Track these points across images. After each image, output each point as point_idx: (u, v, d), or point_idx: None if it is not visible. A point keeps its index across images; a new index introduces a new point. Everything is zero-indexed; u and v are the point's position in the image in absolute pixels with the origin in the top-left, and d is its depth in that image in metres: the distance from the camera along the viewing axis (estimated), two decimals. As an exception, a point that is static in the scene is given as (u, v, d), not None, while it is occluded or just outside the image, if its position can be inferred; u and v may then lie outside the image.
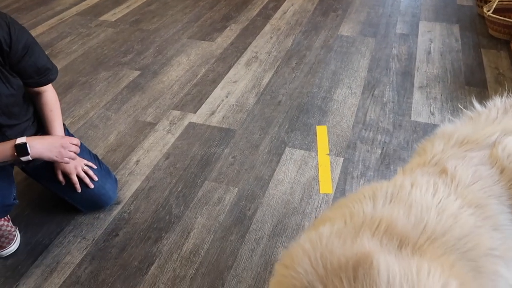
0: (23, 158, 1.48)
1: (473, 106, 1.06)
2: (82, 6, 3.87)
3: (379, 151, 2.11)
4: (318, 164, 2.05)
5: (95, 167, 1.80)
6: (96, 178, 1.78)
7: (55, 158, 1.57)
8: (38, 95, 1.68)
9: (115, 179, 1.91)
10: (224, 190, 1.94)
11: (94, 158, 1.88)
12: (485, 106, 1.04)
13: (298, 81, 2.69)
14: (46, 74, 1.62)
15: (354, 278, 0.63)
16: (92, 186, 1.76)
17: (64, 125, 1.81)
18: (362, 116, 2.36)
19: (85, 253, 1.70)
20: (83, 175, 1.75)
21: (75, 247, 1.73)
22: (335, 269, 0.65)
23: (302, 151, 2.13)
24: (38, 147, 1.51)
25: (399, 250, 0.69)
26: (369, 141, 2.17)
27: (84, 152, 1.85)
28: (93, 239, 1.76)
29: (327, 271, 0.65)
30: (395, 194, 0.81)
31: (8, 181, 1.63)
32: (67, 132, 1.86)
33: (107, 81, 2.77)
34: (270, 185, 1.95)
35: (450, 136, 0.93)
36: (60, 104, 2.12)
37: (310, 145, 2.17)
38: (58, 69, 1.69)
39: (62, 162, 1.63)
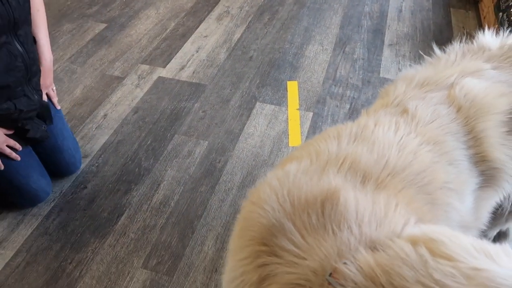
0: None
1: (433, 52, 1.09)
2: (41, -46, 3.61)
3: (348, 106, 2.14)
4: (288, 119, 2.07)
5: (18, 148, 1.63)
6: (58, 107, 1.76)
7: None
8: None
9: (81, 153, 1.85)
10: (194, 144, 1.94)
11: (69, 130, 1.82)
12: (444, 51, 1.06)
13: (270, 37, 2.66)
14: None
15: (322, 213, 0.64)
16: (58, 107, 1.76)
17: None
18: (333, 72, 2.37)
19: (52, 205, 1.69)
20: (52, 94, 1.75)
21: (42, 199, 1.71)
22: (303, 205, 0.66)
23: (273, 106, 2.14)
24: None
25: (362, 185, 0.72)
26: (339, 96, 2.20)
27: (63, 120, 1.80)
28: (61, 192, 1.74)
29: (295, 208, 0.66)
30: (359, 133, 0.83)
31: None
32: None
33: (71, 34, 2.65)
34: (240, 138, 1.96)
35: (412, 79, 0.96)
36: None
37: (280, 100, 2.18)
38: None
39: None
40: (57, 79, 2.30)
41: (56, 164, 1.74)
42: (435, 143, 0.82)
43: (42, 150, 1.69)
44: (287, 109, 2.12)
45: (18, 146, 1.57)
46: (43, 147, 1.68)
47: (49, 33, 2.65)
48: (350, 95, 2.20)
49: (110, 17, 2.81)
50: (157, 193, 1.73)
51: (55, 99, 1.75)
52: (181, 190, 1.74)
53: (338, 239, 0.59)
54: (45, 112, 1.64)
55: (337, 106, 2.14)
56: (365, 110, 0.97)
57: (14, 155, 1.54)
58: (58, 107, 1.76)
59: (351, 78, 2.33)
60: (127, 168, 1.83)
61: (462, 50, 1.03)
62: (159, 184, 1.76)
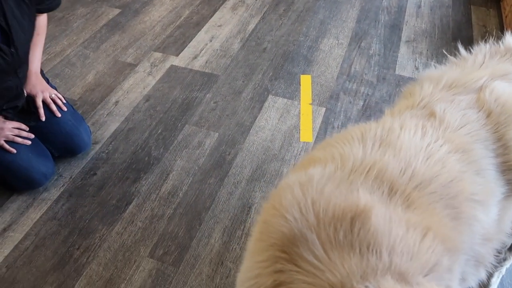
0: None
1: (459, 52, 1.05)
2: None
3: (361, 102, 2.11)
4: (300, 113, 2.05)
5: (64, 101, 1.73)
6: (65, 108, 1.72)
7: None
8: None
9: (89, 129, 1.84)
10: (204, 135, 1.93)
11: (67, 103, 1.82)
12: (470, 52, 1.03)
13: (285, 29, 2.62)
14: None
15: (350, 230, 0.61)
16: (58, 114, 1.69)
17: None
18: (347, 67, 2.33)
19: (62, 190, 1.70)
20: (49, 100, 1.68)
21: (52, 184, 1.71)
22: (329, 218, 0.63)
23: (285, 100, 2.12)
24: None
25: (389, 197, 0.68)
26: (352, 92, 2.17)
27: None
28: (71, 177, 1.74)
29: (319, 220, 0.63)
30: (384, 137, 0.79)
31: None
32: (42, 74, 1.79)
33: (85, 18, 2.64)
34: (251, 131, 1.95)
35: (439, 80, 0.92)
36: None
37: (293, 94, 2.15)
38: None
39: None
40: (69, 64, 2.29)
41: (58, 138, 1.72)
42: (464, 151, 0.78)
43: (37, 128, 1.67)
44: (299, 103, 2.10)
45: (23, 126, 1.62)
46: (38, 125, 1.67)
47: (63, 16, 2.66)
48: (364, 92, 2.17)
49: (124, 3, 2.79)
50: (166, 183, 1.73)
51: (52, 106, 1.69)
52: (190, 181, 1.73)
53: (365, 260, 0.58)
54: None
55: (351, 102, 2.11)
56: (389, 110, 0.93)
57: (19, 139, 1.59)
58: (58, 115, 1.70)
59: (366, 74, 2.29)
60: (137, 157, 1.83)
61: (489, 52, 0.99)
62: (168, 174, 1.76)
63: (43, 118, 1.66)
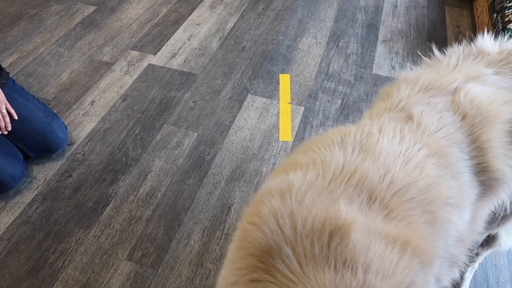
0: None
1: (433, 54, 1.07)
2: None
3: (340, 101, 2.13)
4: (279, 112, 2.05)
5: (15, 117, 1.64)
6: (15, 117, 1.63)
7: None
8: None
9: (64, 124, 1.80)
10: (183, 135, 1.91)
11: (37, 100, 1.76)
12: (444, 54, 1.04)
13: (264, 28, 2.62)
14: None
15: (327, 245, 0.61)
16: (9, 128, 1.62)
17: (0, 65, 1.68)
18: (326, 66, 2.35)
19: (36, 193, 1.65)
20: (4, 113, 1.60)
21: (25, 186, 1.67)
22: (307, 230, 0.63)
23: (264, 99, 2.12)
24: None
25: (368, 207, 0.68)
26: (331, 91, 2.19)
27: (25, 95, 1.73)
28: (45, 180, 1.70)
29: (296, 233, 0.63)
30: (364, 142, 0.79)
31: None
32: (3, 76, 1.69)
33: (59, 15, 2.57)
34: (230, 131, 1.94)
35: (415, 82, 0.93)
36: (6, 37, 1.96)
37: (272, 93, 2.15)
38: None
39: None
40: (43, 62, 2.23)
41: (31, 137, 1.67)
42: (440, 155, 0.79)
43: (9, 130, 1.62)
44: (278, 103, 2.10)
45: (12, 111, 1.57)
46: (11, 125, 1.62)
47: (36, 13, 2.58)
48: (342, 91, 2.19)
49: (100, 0, 2.73)
50: (144, 184, 1.70)
51: (6, 118, 1.61)
52: (168, 182, 1.71)
53: (339, 276, 0.58)
54: None
55: (329, 101, 2.13)
56: (367, 112, 0.94)
57: None
58: (9, 128, 1.62)
59: (343, 73, 2.31)
60: (114, 158, 1.79)
61: (462, 53, 1.01)
62: (146, 175, 1.73)
63: (9, 128, 1.61)
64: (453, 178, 0.78)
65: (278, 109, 2.07)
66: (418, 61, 2.40)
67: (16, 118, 1.64)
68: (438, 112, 0.85)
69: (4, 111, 1.59)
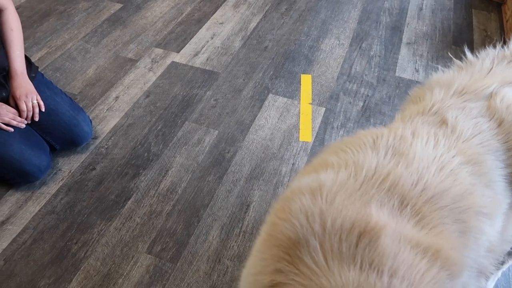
0: None
1: (465, 56, 1.05)
2: None
3: (361, 103, 2.12)
4: (299, 113, 2.05)
5: (43, 109, 1.68)
6: (43, 109, 1.68)
7: None
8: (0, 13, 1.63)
9: (89, 118, 1.84)
10: (204, 132, 1.93)
11: (63, 94, 1.81)
12: (477, 57, 1.02)
13: (286, 28, 2.62)
14: None
15: (355, 245, 0.61)
16: (36, 118, 1.66)
17: (27, 58, 1.73)
18: (348, 68, 2.34)
19: (61, 184, 1.70)
20: (24, 108, 1.63)
21: (50, 178, 1.72)
22: (336, 229, 0.63)
23: (285, 99, 2.12)
24: None
25: (399, 212, 0.67)
26: (352, 93, 2.18)
27: (53, 89, 1.78)
28: (69, 171, 1.75)
29: (325, 230, 0.63)
30: (397, 145, 0.78)
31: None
32: (33, 69, 1.75)
33: (87, 12, 2.63)
34: (250, 129, 1.95)
35: (449, 85, 0.91)
36: (36, 32, 2.02)
37: (293, 93, 2.16)
38: None
39: None
40: (70, 58, 2.29)
41: (57, 129, 1.71)
42: (475, 163, 0.77)
43: (35, 121, 1.67)
44: (299, 103, 2.10)
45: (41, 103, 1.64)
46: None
47: (65, 10, 2.65)
48: (364, 93, 2.17)
49: (126, -2, 2.78)
50: (165, 179, 1.73)
51: (24, 114, 1.64)
52: (188, 178, 1.74)
53: (364, 276, 0.58)
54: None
55: (350, 103, 2.12)
56: (399, 115, 0.93)
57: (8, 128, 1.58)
58: (36, 119, 1.67)
59: (366, 75, 2.30)
60: (136, 152, 1.83)
61: (496, 57, 0.99)
62: (167, 171, 1.76)
63: (25, 119, 1.65)
64: (487, 187, 0.76)
65: (299, 110, 2.07)
66: (444, 64, 2.37)
67: (44, 110, 1.68)
68: (473, 117, 0.84)
69: (35, 101, 1.64)
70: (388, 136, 0.80)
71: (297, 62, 2.36)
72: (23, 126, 1.63)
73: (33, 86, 1.67)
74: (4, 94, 1.63)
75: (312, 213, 0.65)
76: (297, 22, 2.68)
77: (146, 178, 1.73)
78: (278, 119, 2.01)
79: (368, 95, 2.16)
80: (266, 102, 2.10)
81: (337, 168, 0.75)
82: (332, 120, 2.02)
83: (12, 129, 1.59)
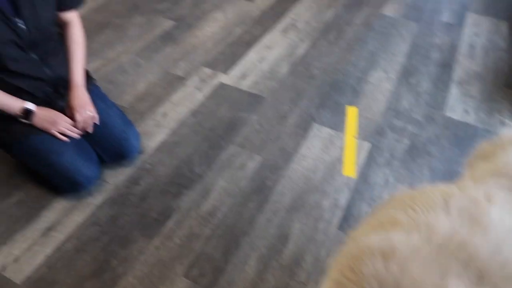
0: (23, 120, 1.59)
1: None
2: None
3: (408, 142, 2.07)
4: (344, 145, 2.03)
5: (97, 122, 1.73)
6: (97, 121, 1.73)
7: (42, 128, 1.63)
8: (66, 27, 1.70)
9: (138, 133, 1.88)
10: (247, 156, 1.94)
11: (116, 107, 1.86)
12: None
13: (334, 56, 2.62)
14: None
15: None
16: (91, 129, 1.71)
17: (86, 70, 1.80)
18: (395, 103, 2.31)
19: (106, 196, 1.74)
20: (79, 119, 1.67)
21: (96, 189, 1.76)
22: None
23: (330, 130, 2.11)
24: (39, 118, 1.61)
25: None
26: (399, 130, 2.14)
27: (107, 102, 1.84)
28: (115, 184, 1.79)
29: None
30: (472, 211, 0.74)
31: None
32: (90, 82, 1.82)
33: (141, 27, 2.72)
34: (293, 158, 1.95)
35: None
36: (92, 43, 2.09)
37: (338, 125, 2.14)
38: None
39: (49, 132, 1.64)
40: (123, 71, 2.37)
41: (107, 142, 1.76)
42: None
43: (89, 133, 1.73)
44: (344, 135, 2.09)
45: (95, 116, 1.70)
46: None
47: (121, 24, 2.75)
48: (411, 131, 2.13)
49: (179, 16, 2.86)
50: (206, 201, 1.74)
51: (79, 125, 1.69)
52: (230, 203, 1.74)
53: None
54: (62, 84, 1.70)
55: (397, 140, 2.08)
56: (467, 171, 0.89)
57: (64, 138, 1.65)
58: (90, 130, 1.72)
59: (413, 112, 2.26)
60: (180, 171, 1.85)
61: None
62: (209, 193, 1.77)
63: (91, 130, 1.72)
64: None
65: (343, 142, 2.05)
66: (495, 107, 2.28)
67: (98, 122, 1.74)
68: None
69: (90, 113, 1.70)
70: (460, 197, 0.77)
71: (344, 92, 2.35)
72: (78, 136, 1.68)
73: (89, 99, 1.73)
74: (62, 104, 1.70)
75: (386, 281, 0.63)
76: (345, 51, 2.68)
77: (188, 199, 1.75)
78: (322, 150, 2.00)
79: (415, 133, 2.12)
80: (311, 132, 2.09)
81: (408, 229, 0.72)
82: (377, 156, 1.99)
83: (67, 139, 1.65)
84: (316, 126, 2.12)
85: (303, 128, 2.11)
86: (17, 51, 1.48)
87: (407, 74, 2.53)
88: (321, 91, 2.34)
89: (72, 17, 1.69)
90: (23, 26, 1.45)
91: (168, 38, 2.65)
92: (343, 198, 1.78)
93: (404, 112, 2.25)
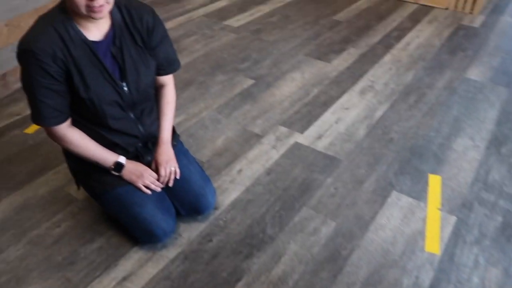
0: (113, 172, 1.70)
1: None
2: (209, 8, 4.08)
3: (500, 219, 1.88)
4: (426, 218, 1.89)
5: (178, 176, 1.79)
6: (178, 176, 1.78)
7: (129, 180, 1.71)
8: (161, 87, 1.81)
9: (214, 189, 1.92)
10: (321, 221, 1.88)
11: (196, 163, 1.93)
12: None
13: (414, 121, 2.53)
14: (174, 65, 1.78)
15: None
16: (171, 184, 1.77)
17: (173, 128, 1.90)
18: (484, 174, 2.13)
19: (179, 250, 1.76)
20: (163, 173, 1.74)
21: (171, 242, 1.80)
22: None
23: (410, 199, 1.99)
24: (128, 171, 1.71)
25: None
26: (489, 204, 1.95)
27: (189, 158, 1.92)
28: (188, 239, 1.81)
29: None
30: None
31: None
32: (175, 138, 1.90)
33: (223, 85, 2.87)
34: (370, 227, 1.85)
35: None
36: (177, 99, 2.22)
37: (420, 194, 2.01)
38: (180, 64, 1.83)
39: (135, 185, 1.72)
40: (203, 126, 2.48)
41: (186, 197, 1.80)
42: None
43: (168, 186, 1.78)
44: (426, 206, 1.95)
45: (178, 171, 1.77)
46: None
47: (204, 81, 2.93)
48: (504, 207, 1.94)
49: (259, 75, 2.99)
50: (277, 266, 1.69)
51: (163, 179, 1.75)
52: (301, 270, 1.67)
53: None
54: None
55: (487, 216, 1.89)
56: None
57: (148, 191, 1.71)
58: (171, 184, 1.77)
59: (506, 185, 2.06)
60: (252, 231, 1.84)
61: None
62: (280, 257, 1.73)
63: (171, 184, 1.78)
64: None
65: (426, 214, 1.91)
66: None
67: (178, 177, 1.81)
68: None
69: (173, 169, 1.78)
70: None
71: (425, 159, 2.23)
72: (159, 190, 1.76)
73: (174, 154, 1.82)
74: (149, 158, 1.80)
75: None
76: (427, 115, 2.58)
77: (259, 261, 1.71)
78: (402, 221, 1.87)
79: (508, 210, 1.92)
80: (389, 200, 1.99)
81: None
82: (464, 232, 1.82)
83: (150, 192, 1.72)
84: (395, 194, 2.02)
85: (381, 195, 2.01)
86: (119, 111, 1.62)
87: (497, 143, 2.35)
88: (401, 157, 2.25)
89: (168, 79, 1.83)
90: (126, 89, 1.59)
91: (247, 95, 2.76)
92: (426, 278, 1.63)
93: (495, 185, 2.06)
